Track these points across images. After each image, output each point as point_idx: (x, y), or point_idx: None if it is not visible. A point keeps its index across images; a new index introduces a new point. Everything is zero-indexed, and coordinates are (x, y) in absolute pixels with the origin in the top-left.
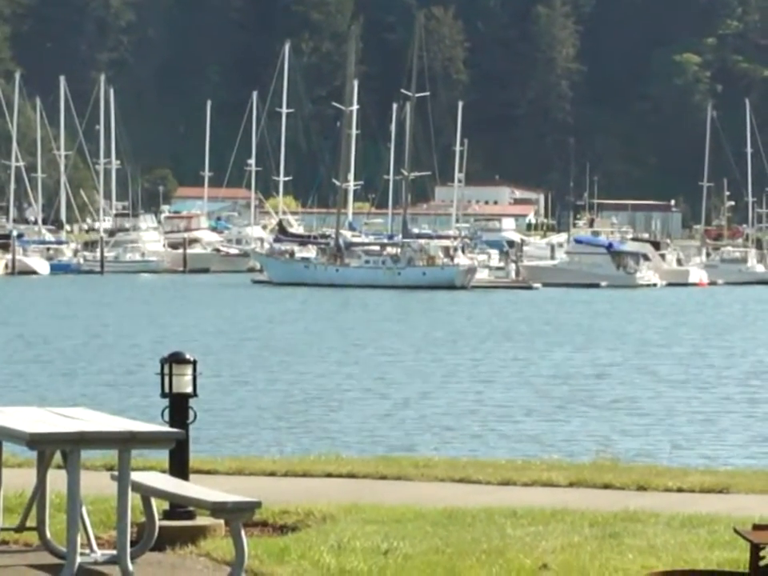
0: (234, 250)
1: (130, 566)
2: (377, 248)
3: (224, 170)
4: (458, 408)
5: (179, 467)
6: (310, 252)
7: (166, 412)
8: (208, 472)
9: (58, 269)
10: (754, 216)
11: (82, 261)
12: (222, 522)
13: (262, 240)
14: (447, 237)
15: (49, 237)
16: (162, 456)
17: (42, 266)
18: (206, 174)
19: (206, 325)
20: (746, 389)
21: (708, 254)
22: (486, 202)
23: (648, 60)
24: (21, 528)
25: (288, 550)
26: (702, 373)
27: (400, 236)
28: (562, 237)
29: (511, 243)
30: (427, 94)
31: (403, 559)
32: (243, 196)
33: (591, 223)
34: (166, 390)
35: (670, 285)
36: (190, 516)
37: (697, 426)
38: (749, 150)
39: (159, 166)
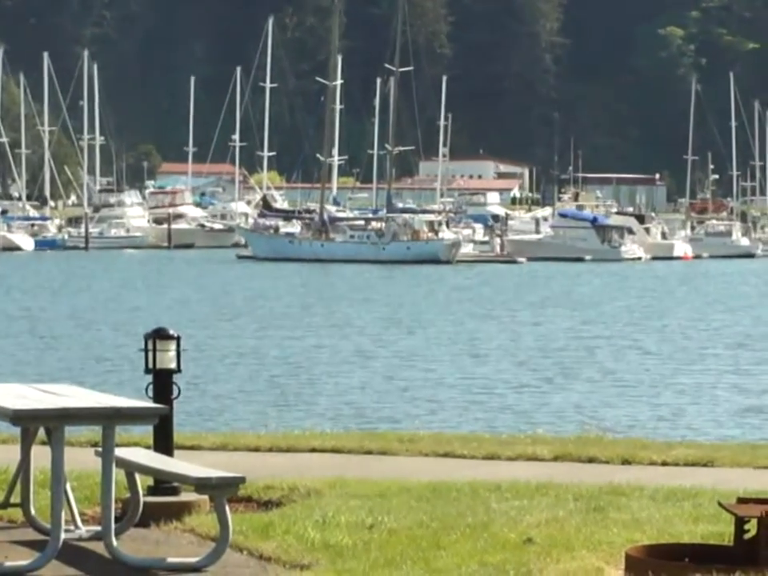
0: (218, 226)
1: (115, 542)
2: (361, 223)
3: (208, 145)
4: (443, 382)
5: (163, 443)
6: (295, 227)
7: (150, 388)
8: (192, 448)
9: (42, 245)
10: (739, 189)
11: (66, 237)
12: (206, 497)
13: (246, 215)
14: (432, 211)
15: (33, 213)
16: (147, 432)
17: (27, 242)
18: (190, 149)
19: (191, 300)
20: (731, 361)
21: (693, 228)
22: (471, 177)
23: (632, 33)
24: (5, 504)
25: (273, 525)
26: (687, 345)
27: (384, 211)
28: (546, 211)
29: (496, 217)
30: (411, 68)
31: (388, 534)
32: (227, 171)
33: (576, 197)
34: (150, 365)
35: (654, 258)
36: (175, 492)
37: (681, 399)
38: (733, 123)
39: (143, 142)
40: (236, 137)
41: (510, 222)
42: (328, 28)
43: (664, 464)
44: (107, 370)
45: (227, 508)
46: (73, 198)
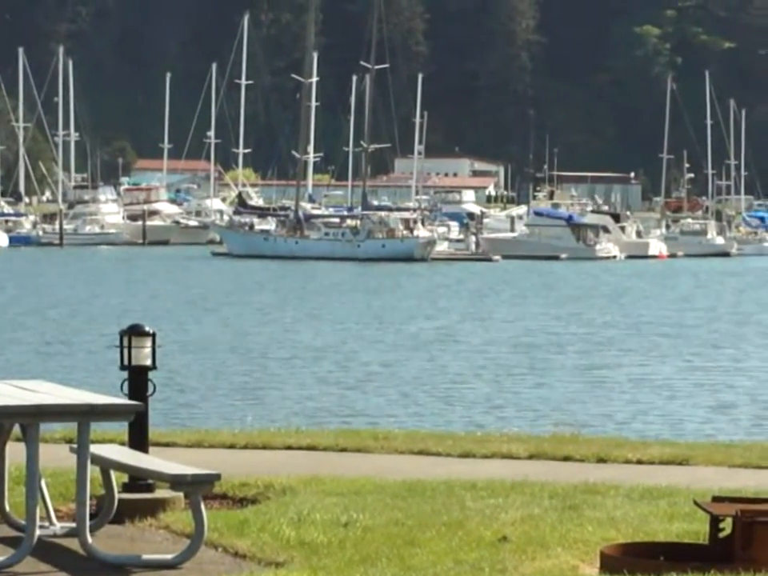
0: (193, 223)
1: (89, 539)
2: (336, 220)
3: (183, 142)
4: (418, 379)
5: (138, 440)
6: (270, 224)
7: (125, 384)
8: (167, 444)
9: (16, 241)
10: (714, 188)
11: (41, 233)
12: (181, 494)
13: (221, 212)
14: (407, 209)
15: (7, 209)
16: (122, 429)
17: (1, 239)
18: (165, 146)
19: (165, 297)
20: (705, 359)
21: (668, 227)
22: (446, 174)
23: (608, 32)
24: None
25: (248, 522)
26: (661, 343)
27: (360, 208)
28: (521, 209)
29: (471, 215)
30: (387, 65)
31: (363, 531)
32: (203, 168)
33: (551, 195)
34: (125, 362)
35: (629, 257)
36: (150, 489)
37: (656, 397)
38: (708, 122)
39: (118, 138)
40: (211, 133)
41: (485, 220)
42: (303, 25)
43: (639, 462)
44: (82, 367)
45: (202, 505)
46: (47, 194)
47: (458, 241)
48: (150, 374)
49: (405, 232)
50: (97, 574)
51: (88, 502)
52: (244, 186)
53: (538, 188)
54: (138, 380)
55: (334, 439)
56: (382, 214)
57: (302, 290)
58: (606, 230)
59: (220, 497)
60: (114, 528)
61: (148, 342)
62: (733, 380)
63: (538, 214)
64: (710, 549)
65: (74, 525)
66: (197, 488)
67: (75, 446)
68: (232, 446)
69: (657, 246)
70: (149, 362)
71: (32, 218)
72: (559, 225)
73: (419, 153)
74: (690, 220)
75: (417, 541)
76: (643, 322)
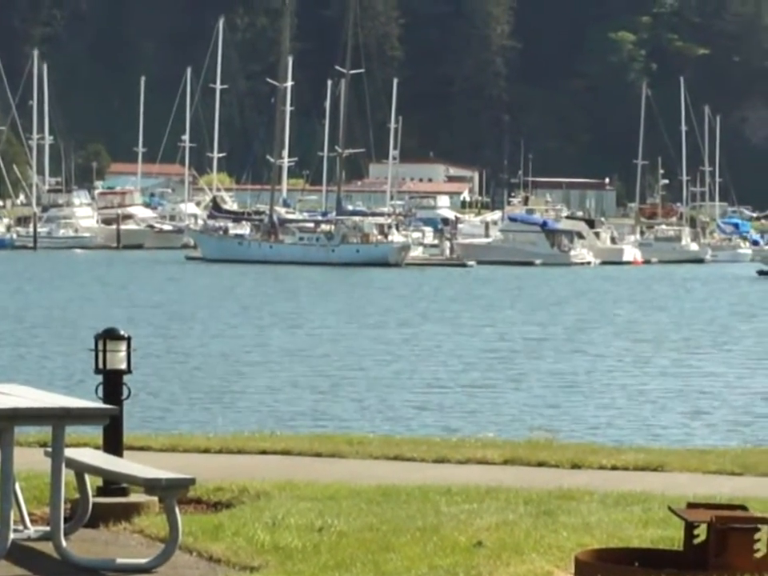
0: (167, 227)
1: (64, 543)
2: (311, 225)
3: (158, 146)
4: (392, 384)
5: (113, 444)
6: (244, 229)
7: (100, 388)
8: (142, 449)
9: None
10: (688, 194)
11: (14, 236)
12: (155, 498)
13: (195, 216)
14: (381, 214)
15: None
16: (96, 432)
17: None
18: (140, 149)
19: (139, 301)
20: (677, 365)
21: (642, 233)
22: (421, 180)
23: (583, 38)
24: None
25: (222, 526)
26: (634, 349)
27: (334, 213)
28: (496, 215)
29: (445, 221)
30: (362, 70)
31: (337, 536)
32: (177, 172)
33: (525, 201)
34: (100, 366)
35: (604, 263)
36: (124, 493)
37: (631, 403)
38: (683, 128)
39: (93, 142)
40: (186, 137)
41: (459, 226)
42: (279, 29)
43: (614, 468)
44: (56, 371)
45: (177, 509)
46: (21, 197)
47: (433, 246)
48: (125, 378)
49: (379, 237)
50: None
51: (62, 506)
52: (218, 190)
53: (513, 193)
54: (112, 384)
55: (309, 444)
56: (357, 218)
57: (276, 294)
58: (580, 235)
59: (194, 501)
60: (89, 532)
61: (123, 346)
62: (707, 386)
63: (512, 219)
64: (685, 555)
65: (48, 528)
66: (171, 492)
67: (50, 449)
68: (207, 451)
69: (631, 252)
70: (124, 366)
71: (6, 221)
72: (534, 230)
73: (394, 158)
74: (664, 226)
75: (391, 546)
76: (617, 327)
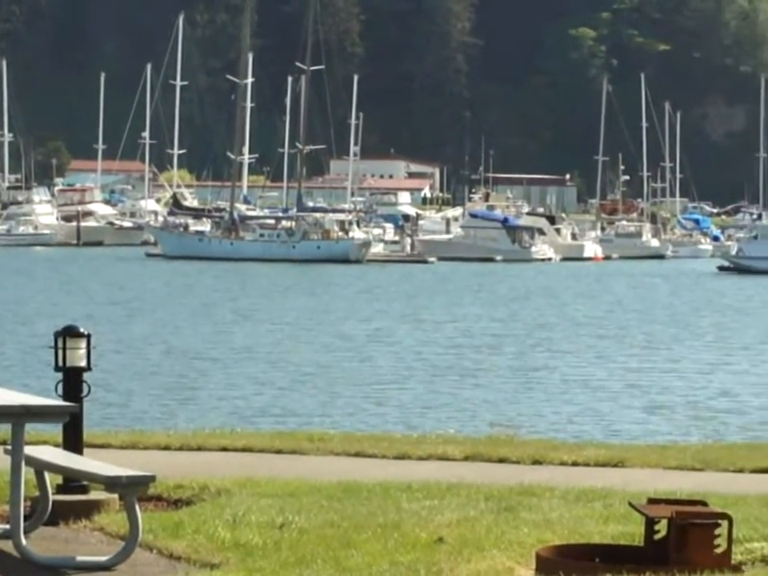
0: (127, 224)
1: (23, 541)
2: (271, 222)
3: (118, 142)
4: (352, 380)
5: (73, 441)
6: (205, 225)
7: (60, 386)
8: (102, 446)
9: None
10: (649, 190)
11: None
12: (116, 496)
13: (156, 213)
14: (342, 211)
15: None
16: (56, 430)
17: None
18: (100, 146)
19: (100, 298)
20: (637, 361)
21: (603, 229)
22: (382, 176)
23: (543, 34)
24: None
25: (183, 524)
26: (594, 344)
27: (295, 209)
28: (457, 211)
29: (406, 217)
30: (322, 67)
31: (298, 533)
32: (137, 169)
33: (486, 197)
34: (60, 363)
35: (565, 259)
36: (84, 490)
37: (591, 399)
38: (644, 124)
39: (52, 139)
40: (146, 134)
41: (420, 222)
42: (239, 25)
43: (575, 464)
44: (16, 368)
45: (137, 507)
46: None
47: (394, 242)
48: (85, 375)
49: (340, 233)
50: None
51: (22, 504)
52: (179, 186)
53: (474, 190)
54: (72, 381)
55: (270, 441)
56: (318, 215)
57: (237, 291)
58: (541, 232)
59: (155, 498)
60: (49, 530)
61: (83, 344)
62: (667, 381)
63: (473, 215)
64: (645, 550)
65: (7, 526)
66: (132, 490)
67: (9, 447)
68: (167, 448)
69: (592, 248)
70: (83, 364)
71: None
72: (494, 227)
73: (355, 154)
74: (625, 222)
75: (352, 542)
76: (578, 323)
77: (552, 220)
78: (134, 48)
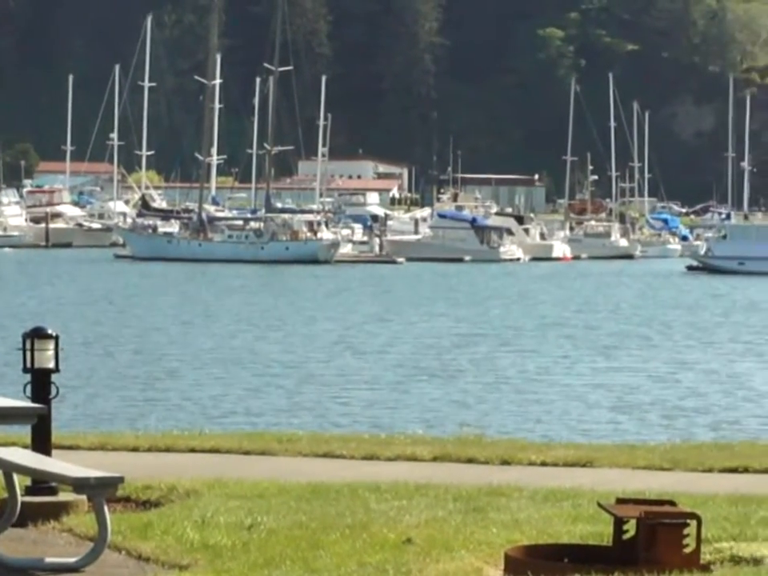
0: (96, 225)
1: None
2: (240, 222)
3: (86, 144)
4: (321, 381)
5: (41, 443)
6: (173, 227)
7: (28, 387)
8: (70, 447)
9: None
10: (617, 190)
11: None
12: (84, 497)
13: (124, 215)
14: (311, 211)
15: None
16: (24, 431)
17: None
18: (68, 148)
19: (68, 300)
20: (608, 361)
21: (572, 229)
22: (350, 177)
23: (511, 34)
24: None
25: (151, 525)
26: (563, 344)
27: (263, 210)
28: (425, 211)
29: (375, 218)
30: (291, 67)
31: (267, 534)
32: (106, 170)
33: (455, 198)
34: (28, 365)
35: (534, 259)
36: (53, 492)
37: (560, 398)
38: (612, 124)
39: (21, 140)
40: (114, 135)
41: (389, 223)
42: (207, 26)
43: (543, 464)
44: None
45: (106, 508)
46: None
47: (362, 243)
48: (53, 377)
49: (308, 234)
50: None
51: None
52: (147, 188)
53: (442, 190)
54: (40, 383)
55: (238, 442)
56: (286, 216)
57: (205, 292)
58: (509, 232)
59: (123, 500)
60: (17, 531)
61: (51, 345)
62: (636, 381)
63: (441, 216)
64: (614, 550)
65: None
66: (100, 491)
67: None
68: (135, 449)
69: (560, 248)
70: (52, 365)
71: None
72: (463, 227)
73: (323, 155)
74: (593, 222)
75: (321, 543)
76: (547, 323)
77: (520, 220)
78: (102, 49)
